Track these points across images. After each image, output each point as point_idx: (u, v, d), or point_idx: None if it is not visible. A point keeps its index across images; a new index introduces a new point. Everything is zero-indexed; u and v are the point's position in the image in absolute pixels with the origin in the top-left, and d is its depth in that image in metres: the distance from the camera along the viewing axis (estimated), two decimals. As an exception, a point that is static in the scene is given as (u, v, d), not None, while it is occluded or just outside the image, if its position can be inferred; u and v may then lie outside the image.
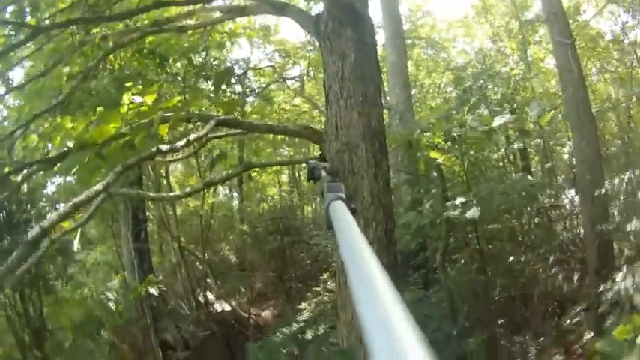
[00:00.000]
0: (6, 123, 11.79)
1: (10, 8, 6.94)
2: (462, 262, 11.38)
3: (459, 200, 8.85)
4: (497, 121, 9.39)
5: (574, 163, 12.86)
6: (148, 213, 16.45)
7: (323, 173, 2.34)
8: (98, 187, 4.06)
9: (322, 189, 1.88)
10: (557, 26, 11.31)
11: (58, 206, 12.25)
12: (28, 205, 11.30)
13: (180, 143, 4.67)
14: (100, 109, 5.26)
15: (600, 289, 8.53)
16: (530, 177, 13.76)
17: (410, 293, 10.45)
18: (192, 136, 4.84)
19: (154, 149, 4.51)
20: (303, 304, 13.16)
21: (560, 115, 15.31)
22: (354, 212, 1.48)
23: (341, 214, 1.42)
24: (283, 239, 17.45)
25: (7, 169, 5.99)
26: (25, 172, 5.94)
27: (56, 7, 7.23)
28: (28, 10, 7.03)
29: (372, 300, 0.75)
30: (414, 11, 22.89)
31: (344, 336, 4.79)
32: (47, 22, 6.84)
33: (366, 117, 5.02)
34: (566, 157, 17.18)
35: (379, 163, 4.98)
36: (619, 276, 8.10)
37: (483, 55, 20.78)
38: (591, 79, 21.10)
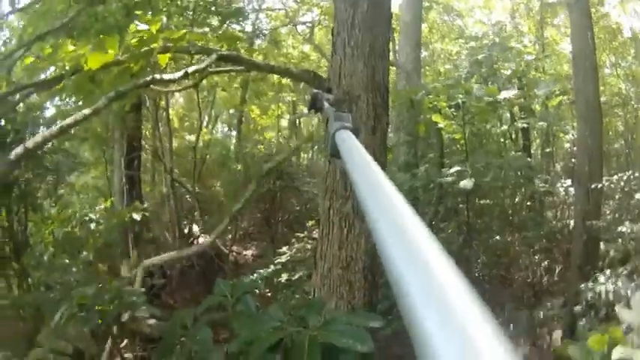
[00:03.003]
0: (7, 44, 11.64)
1: None
2: (449, 231, 11.17)
3: (455, 168, 8.76)
4: (504, 94, 9.26)
5: (574, 152, 12.70)
6: (143, 142, 16.37)
7: (326, 104, 2.27)
8: (87, 111, 3.97)
9: (326, 118, 1.90)
10: (578, 10, 11.00)
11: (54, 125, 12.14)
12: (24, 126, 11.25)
13: (178, 74, 4.56)
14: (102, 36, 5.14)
15: (581, 287, 8.31)
16: (529, 158, 13.67)
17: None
18: (190, 68, 4.72)
19: (149, 78, 4.39)
20: (284, 249, 13.16)
21: (567, 102, 15.08)
22: None
23: (350, 142, 1.36)
24: (275, 183, 17.40)
25: (3, 89, 5.94)
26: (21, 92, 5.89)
27: None
28: None
29: (391, 217, 0.72)
30: (435, -28, 22.46)
31: (317, 287, 4.74)
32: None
33: (371, 68, 4.88)
34: (567, 145, 16.96)
35: (379, 117, 4.87)
36: (601, 278, 7.84)
37: (500, 28, 20.54)
38: (604, 72, 20.96)
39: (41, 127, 11.87)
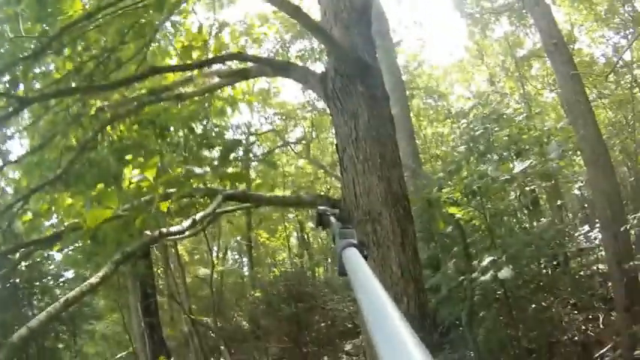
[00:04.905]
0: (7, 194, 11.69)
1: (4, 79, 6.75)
2: (489, 319, 10.76)
3: (487, 259, 8.38)
4: (519, 167, 9.01)
5: (585, 198, 12.58)
6: (157, 282, 16.13)
7: (332, 219, 2.23)
8: (93, 280, 3.67)
9: (333, 235, 1.85)
10: (559, 57, 10.95)
11: (63, 275, 12.12)
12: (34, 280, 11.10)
13: (186, 224, 4.26)
14: (99, 186, 4.90)
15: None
16: (542, 219, 13.41)
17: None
18: (198, 215, 4.42)
19: (156, 233, 4.10)
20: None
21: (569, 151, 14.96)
22: (365, 259, 1.39)
23: (354, 260, 1.37)
24: (297, 306, 17.01)
25: (2, 248, 5.85)
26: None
27: (50, 78, 7.03)
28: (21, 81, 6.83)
29: (396, 350, 0.72)
30: (409, 61, 22.78)
31: None
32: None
33: (386, 180, 4.61)
34: (576, 192, 16.80)
35: (405, 231, 4.53)
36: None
37: (484, 98, 20.66)
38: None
39: (49, 278, 11.71)
